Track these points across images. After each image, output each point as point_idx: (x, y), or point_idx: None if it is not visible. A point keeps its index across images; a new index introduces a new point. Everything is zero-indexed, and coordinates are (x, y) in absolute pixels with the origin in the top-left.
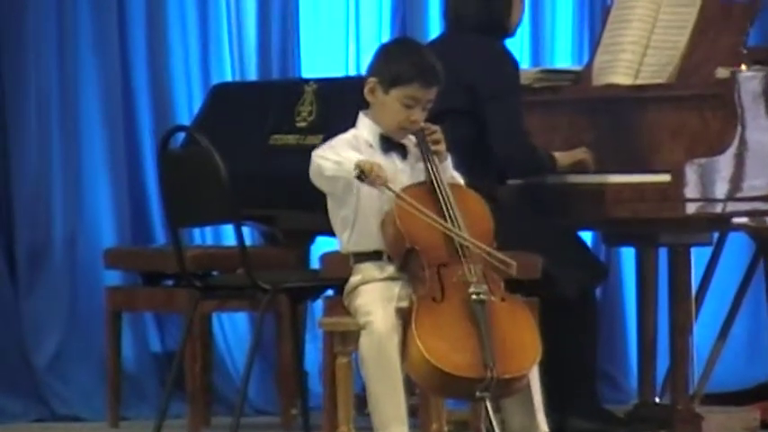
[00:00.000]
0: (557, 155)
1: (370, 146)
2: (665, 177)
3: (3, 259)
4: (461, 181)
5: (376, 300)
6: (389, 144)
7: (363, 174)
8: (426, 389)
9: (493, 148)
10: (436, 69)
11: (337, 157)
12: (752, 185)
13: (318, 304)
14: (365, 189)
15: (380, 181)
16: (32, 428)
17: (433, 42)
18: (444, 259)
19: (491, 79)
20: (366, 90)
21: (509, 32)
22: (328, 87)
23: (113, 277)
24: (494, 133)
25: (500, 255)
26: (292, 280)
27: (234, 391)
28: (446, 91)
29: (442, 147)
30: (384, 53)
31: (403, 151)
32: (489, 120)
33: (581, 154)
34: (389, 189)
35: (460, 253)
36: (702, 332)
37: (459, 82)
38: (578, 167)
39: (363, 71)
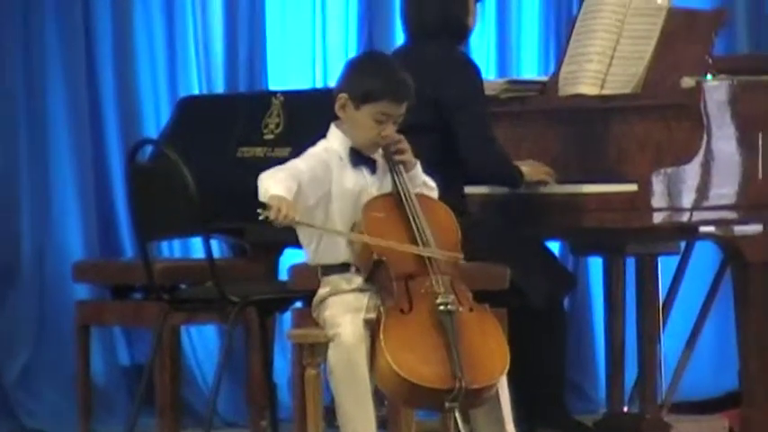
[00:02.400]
0: (524, 169)
1: (341, 158)
2: (632, 187)
3: None
4: (434, 185)
5: (344, 311)
6: (359, 158)
7: (268, 218)
8: (395, 400)
9: (462, 157)
10: (407, 84)
11: (264, 181)
12: (718, 194)
13: (287, 316)
14: (334, 203)
15: (288, 220)
16: None
17: (396, 53)
18: (412, 270)
19: (455, 90)
20: (337, 106)
21: (468, 35)
22: (295, 99)
23: (82, 291)
24: (464, 142)
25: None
26: (261, 292)
27: (203, 403)
28: (410, 106)
29: (409, 156)
30: (354, 68)
31: (372, 165)
32: (458, 130)
33: (545, 174)
34: (300, 223)
35: (428, 264)
36: (670, 341)
37: (422, 97)
38: (541, 183)
39: (330, 83)
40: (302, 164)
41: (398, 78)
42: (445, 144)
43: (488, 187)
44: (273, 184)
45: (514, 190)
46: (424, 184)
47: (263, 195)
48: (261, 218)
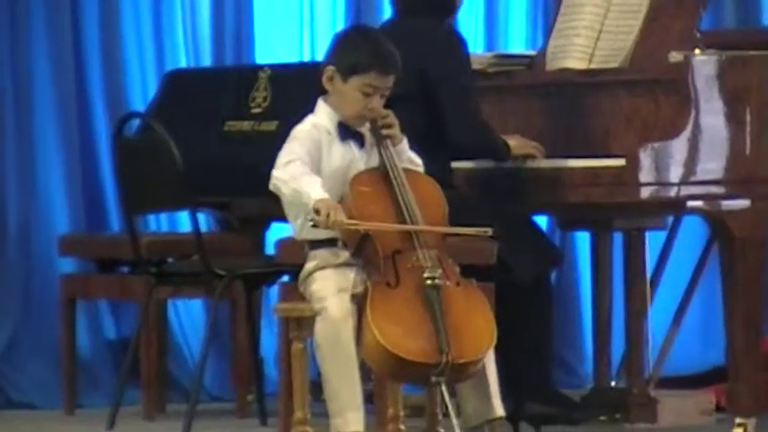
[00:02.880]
0: (511, 143)
1: (329, 133)
2: (620, 162)
3: None
4: (420, 161)
5: (331, 286)
6: (347, 132)
7: (318, 223)
8: (381, 374)
9: (448, 131)
10: (394, 56)
11: (296, 185)
12: (706, 169)
13: (274, 290)
14: (324, 180)
15: (337, 225)
16: None
17: (383, 27)
18: (398, 245)
19: (440, 62)
20: (324, 78)
21: (455, 10)
22: (282, 73)
23: (68, 265)
24: (448, 115)
25: (462, 229)
26: (247, 266)
27: (189, 377)
28: (397, 79)
29: (396, 131)
30: (341, 41)
31: (360, 139)
32: (442, 102)
33: (533, 149)
34: (347, 225)
35: (415, 239)
36: (657, 316)
37: (408, 68)
38: (528, 156)
39: (318, 57)
40: (300, 148)
41: (385, 50)
42: (430, 116)
43: (475, 162)
44: (311, 186)
45: (501, 163)
46: (409, 160)
47: (305, 199)
48: (310, 224)
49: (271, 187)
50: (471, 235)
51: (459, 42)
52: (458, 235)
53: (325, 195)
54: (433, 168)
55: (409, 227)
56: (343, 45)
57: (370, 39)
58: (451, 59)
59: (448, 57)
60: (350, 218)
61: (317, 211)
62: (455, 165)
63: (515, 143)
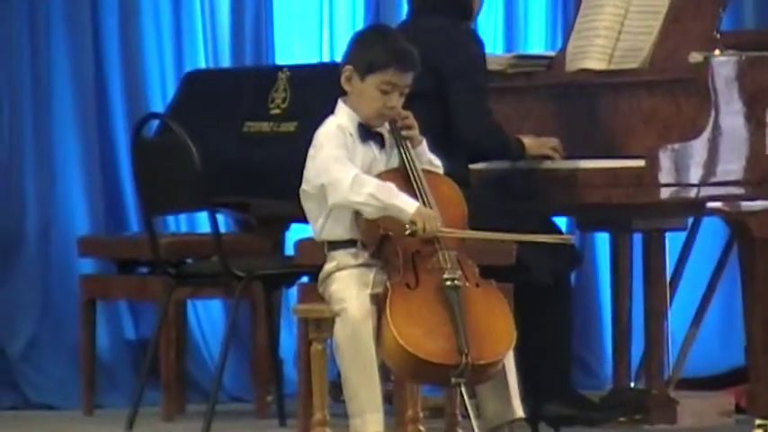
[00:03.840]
0: (526, 142)
1: (350, 134)
2: (639, 163)
3: None
4: (439, 163)
5: (350, 286)
6: (367, 133)
7: (416, 232)
8: (401, 375)
9: (457, 128)
10: (411, 54)
11: (377, 202)
12: (726, 170)
13: (293, 291)
14: None
15: (432, 234)
16: (6, 417)
17: (400, 27)
18: (418, 246)
19: (455, 59)
20: (342, 78)
21: (472, 15)
22: (302, 74)
23: (87, 265)
24: (457, 112)
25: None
26: (266, 267)
27: (208, 378)
28: (415, 77)
29: (415, 132)
30: (359, 40)
31: (381, 140)
32: (452, 99)
33: (551, 150)
34: (442, 233)
35: (435, 240)
36: (677, 317)
37: (426, 65)
38: (546, 157)
39: (337, 58)
40: (340, 153)
41: (403, 48)
42: (447, 113)
43: (493, 163)
44: (397, 199)
45: (515, 162)
46: (429, 162)
47: (399, 214)
48: (408, 233)
49: (337, 198)
50: (552, 243)
51: (476, 41)
52: (539, 243)
53: (415, 204)
54: (450, 166)
55: (506, 236)
56: (360, 44)
57: (387, 37)
58: (466, 57)
59: (463, 54)
60: (369, 221)
61: (413, 223)
62: (473, 166)
63: (531, 143)
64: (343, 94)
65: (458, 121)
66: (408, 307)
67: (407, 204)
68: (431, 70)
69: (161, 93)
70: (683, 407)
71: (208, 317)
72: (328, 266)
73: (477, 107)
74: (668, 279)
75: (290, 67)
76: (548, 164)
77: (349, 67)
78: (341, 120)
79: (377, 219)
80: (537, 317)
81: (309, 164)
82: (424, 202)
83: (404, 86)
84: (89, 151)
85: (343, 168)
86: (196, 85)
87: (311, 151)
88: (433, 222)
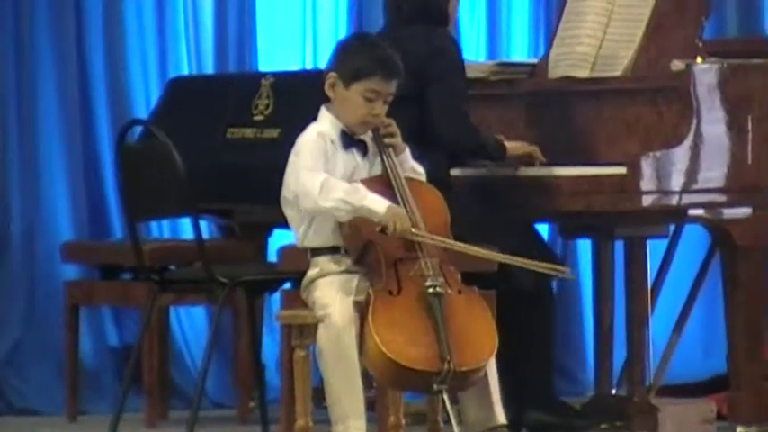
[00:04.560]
0: (507, 144)
1: (332, 142)
2: (621, 170)
3: None
4: (422, 171)
5: (333, 293)
6: (350, 140)
7: (386, 230)
8: (383, 382)
9: (434, 130)
10: (395, 62)
11: (346, 206)
12: (707, 177)
13: (276, 297)
14: None
15: (405, 234)
16: None
17: (381, 33)
18: (401, 253)
19: (434, 63)
20: (326, 85)
21: (448, 21)
22: (285, 81)
23: (71, 271)
24: (435, 114)
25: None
26: (249, 273)
27: (191, 384)
28: (399, 84)
29: (398, 140)
30: (343, 48)
31: (363, 147)
32: (431, 101)
33: (532, 148)
34: (413, 235)
35: (417, 247)
36: (658, 324)
37: (406, 69)
38: (528, 159)
39: (320, 65)
40: (316, 163)
41: (387, 56)
42: (426, 116)
43: (476, 169)
44: (369, 197)
45: (496, 162)
46: (412, 169)
47: (370, 215)
48: (378, 229)
49: (309, 205)
50: (546, 273)
51: (454, 46)
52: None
53: (385, 203)
54: (430, 168)
55: (491, 255)
56: (345, 52)
57: (372, 45)
58: (444, 61)
59: (441, 58)
60: (352, 228)
61: (384, 228)
62: (456, 173)
63: (512, 144)
64: (327, 100)
65: (435, 123)
66: (391, 314)
67: (377, 204)
68: (410, 74)
69: (144, 99)
70: (665, 414)
71: (191, 323)
72: (311, 273)
73: (453, 109)
74: (650, 286)
75: (274, 74)
76: (530, 171)
77: (333, 74)
78: (323, 127)
79: (360, 226)
80: (519, 324)
81: (289, 170)
82: (407, 210)
83: (388, 94)
84: (73, 157)
85: (311, 176)
86: (179, 92)
87: (291, 158)
88: (404, 221)
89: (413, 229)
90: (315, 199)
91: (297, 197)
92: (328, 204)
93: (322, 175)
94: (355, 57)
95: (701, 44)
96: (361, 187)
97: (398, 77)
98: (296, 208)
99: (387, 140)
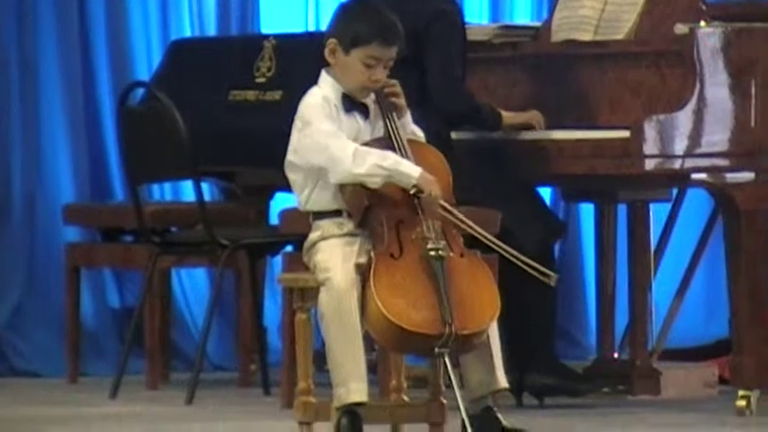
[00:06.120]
0: (504, 114)
1: (334, 105)
2: (624, 134)
3: None
4: (422, 135)
5: (335, 256)
6: (352, 103)
7: (420, 193)
8: (385, 345)
9: (430, 94)
10: (396, 28)
11: (381, 170)
12: (710, 141)
13: (278, 260)
14: None
15: (435, 201)
16: None
17: None
18: (403, 216)
19: (433, 26)
20: (326, 51)
21: None
22: (287, 43)
23: (72, 233)
24: (430, 78)
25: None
26: (251, 236)
27: (193, 347)
28: (399, 49)
29: (402, 101)
30: (343, 13)
31: (365, 110)
32: (427, 65)
33: (531, 116)
34: (443, 211)
35: (419, 210)
36: (661, 288)
37: (407, 31)
38: (526, 127)
39: (323, 27)
40: (332, 127)
41: (387, 22)
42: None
43: (477, 132)
44: (404, 163)
45: (491, 131)
46: (412, 133)
47: (404, 178)
48: (412, 192)
49: (339, 171)
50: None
51: (456, 11)
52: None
53: (419, 169)
54: (430, 128)
55: (498, 244)
56: (345, 17)
57: (372, 10)
58: (442, 25)
59: (440, 22)
60: (354, 190)
61: (417, 188)
62: (459, 135)
63: (509, 114)
64: (328, 65)
65: (430, 87)
66: (392, 277)
67: (411, 169)
68: (410, 37)
69: (146, 61)
70: (667, 378)
71: (192, 285)
72: (313, 236)
73: (448, 75)
74: (653, 250)
75: (276, 36)
76: (532, 134)
77: (333, 39)
78: (325, 91)
79: (360, 188)
80: (521, 287)
81: (298, 136)
82: None
83: (388, 60)
84: (75, 120)
85: (340, 144)
86: (182, 54)
87: (297, 123)
88: (435, 187)
89: (441, 202)
90: (348, 167)
91: (322, 168)
92: (362, 170)
93: (351, 143)
94: (355, 22)
95: (704, 7)
96: (391, 153)
97: (398, 43)
98: (303, 173)
99: (391, 100)
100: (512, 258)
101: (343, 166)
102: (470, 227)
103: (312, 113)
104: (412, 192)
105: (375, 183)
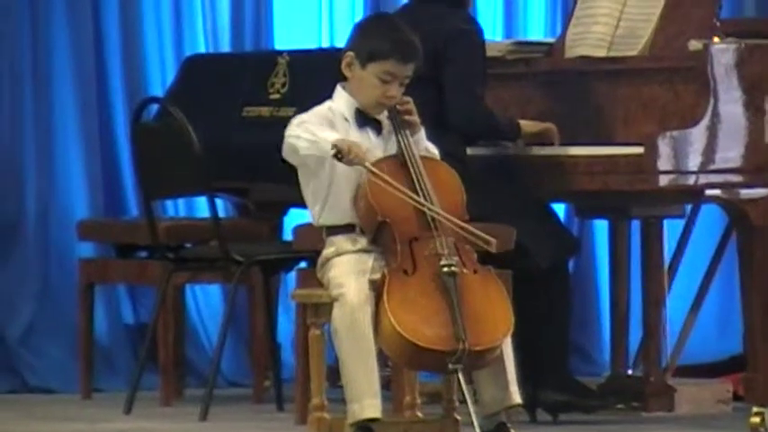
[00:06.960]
0: (522, 122)
1: (346, 120)
2: (638, 150)
3: None
4: (436, 152)
5: (349, 272)
6: (365, 119)
7: (340, 154)
8: (398, 362)
9: (448, 112)
10: (413, 45)
11: (311, 135)
12: (724, 157)
13: (291, 276)
14: (340, 164)
15: (358, 160)
16: (5, 400)
17: (400, 12)
18: (416, 232)
19: (452, 45)
20: (343, 64)
21: (469, 3)
22: (301, 59)
23: (86, 249)
24: (448, 96)
25: (474, 230)
26: (265, 252)
27: (207, 363)
28: (416, 67)
29: (415, 118)
30: (362, 28)
31: (378, 126)
32: (445, 81)
33: (548, 127)
34: (367, 167)
35: (432, 226)
36: (675, 305)
37: (425, 50)
38: (544, 138)
39: (337, 43)
40: (312, 117)
41: (405, 39)
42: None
43: (491, 148)
44: (327, 133)
45: (512, 141)
46: (426, 150)
47: (323, 144)
48: (331, 155)
49: (285, 148)
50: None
51: (475, 30)
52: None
53: (336, 135)
54: (445, 146)
55: (427, 206)
56: (363, 32)
57: (390, 26)
58: (462, 44)
59: (459, 41)
60: (367, 207)
61: (339, 151)
62: (471, 151)
63: (527, 122)
64: (343, 79)
65: (448, 106)
66: (405, 293)
67: (332, 137)
68: (428, 56)
69: (161, 77)
70: (681, 394)
71: (206, 301)
72: (327, 252)
73: (467, 92)
74: (666, 266)
75: (290, 53)
76: (546, 150)
77: (350, 53)
78: (337, 104)
79: (373, 204)
80: (535, 303)
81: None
82: (421, 189)
83: (404, 77)
84: (89, 135)
85: (301, 118)
86: (196, 70)
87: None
88: (356, 148)
89: (367, 163)
90: (288, 131)
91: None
92: (290, 131)
93: (309, 123)
94: (373, 37)
95: (718, 24)
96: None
97: (416, 61)
98: (310, 184)
99: (404, 117)
100: (457, 229)
101: (286, 133)
102: (454, 223)
103: (309, 114)
104: (332, 153)
105: (300, 147)
